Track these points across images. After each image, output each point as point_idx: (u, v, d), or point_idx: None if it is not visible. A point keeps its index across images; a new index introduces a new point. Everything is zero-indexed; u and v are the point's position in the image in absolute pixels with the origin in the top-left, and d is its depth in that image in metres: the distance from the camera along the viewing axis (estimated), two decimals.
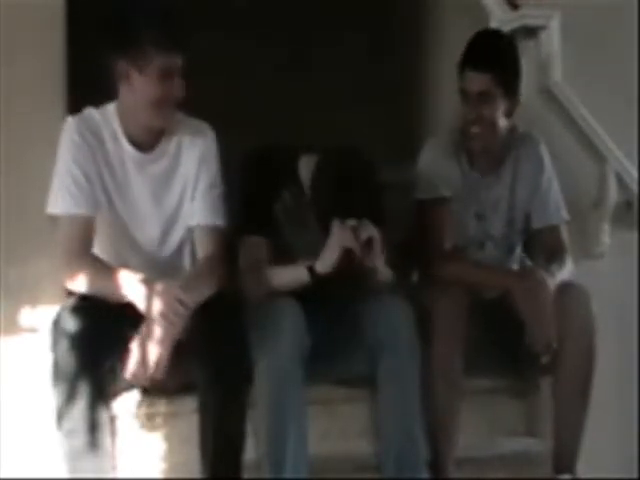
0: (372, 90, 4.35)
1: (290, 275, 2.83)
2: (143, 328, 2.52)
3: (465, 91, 3.01)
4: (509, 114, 3.04)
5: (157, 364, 2.51)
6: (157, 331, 2.50)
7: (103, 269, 2.62)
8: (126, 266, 2.66)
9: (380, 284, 2.87)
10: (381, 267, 2.82)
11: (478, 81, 2.98)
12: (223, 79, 4.21)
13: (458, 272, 2.97)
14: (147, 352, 2.50)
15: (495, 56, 3.00)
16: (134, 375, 2.53)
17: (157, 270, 2.67)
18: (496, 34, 3.22)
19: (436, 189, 3.06)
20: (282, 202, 2.93)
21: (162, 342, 2.50)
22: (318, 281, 2.78)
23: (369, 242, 2.75)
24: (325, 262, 2.77)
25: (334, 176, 2.83)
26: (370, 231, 2.75)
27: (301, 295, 2.77)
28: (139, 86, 2.64)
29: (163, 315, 2.50)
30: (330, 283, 2.82)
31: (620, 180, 3.45)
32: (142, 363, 2.51)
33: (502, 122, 3.03)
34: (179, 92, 2.66)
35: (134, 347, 2.51)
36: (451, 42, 3.73)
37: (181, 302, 2.51)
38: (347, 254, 2.74)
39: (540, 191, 3.13)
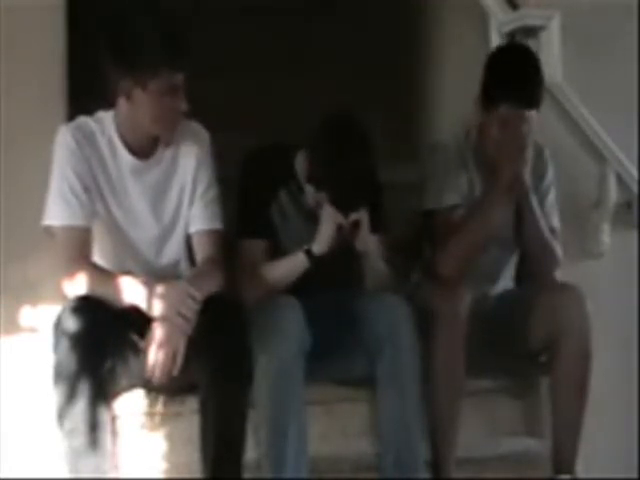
0: (372, 90, 4.35)
1: (289, 264, 2.85)
2: (155, 328, 2.52)
3: (502, 119, 2.95)
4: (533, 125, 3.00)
5: (175, 361, 2.52)
6: (172, 329, 2.51)
7: (104, 276, 2.62)
8: (127, 272, 2.66)
9: (376, 276, 2.88)
10: (373, 252, 2.85)
11: (521, 117, 2.94)
12: (223, 79, 4.22)
13: (459, 245, 2.95)
14: (164, 351, 2.51)
15: (532, 89, 2.96)
16: (155, 376, 2.54)
17: (156, 277, 2.67)
18: (521, 52, 3.10)
19: (447, 198, 3.03)
20: (278, 203, 2.94)
21: (179, 339, 2.51)
22: (317, 270, 2.81)
23: (357, 224, 2.79)
24: (320, 242, 2.80)
25: (334, 137, 2.81)
26: (359, 212, 2.79)
27: (301, 295, 2.77)
28: (142, 103, 2.63)
29: (178, 312, 2.51)
30: (328, 277, 2.84)
31: (620, 180, 3.46)
32: (161, 362, 2.51)
33: (529, 137, 3.00)
34: (182, 106, 2.65)
35: (151, 348, 2.52)
36: (451, 42, 3.74)
37: (192, 297, 2.53)
38: (340, 233, 2.79)
39: (538, 194, 3.11)
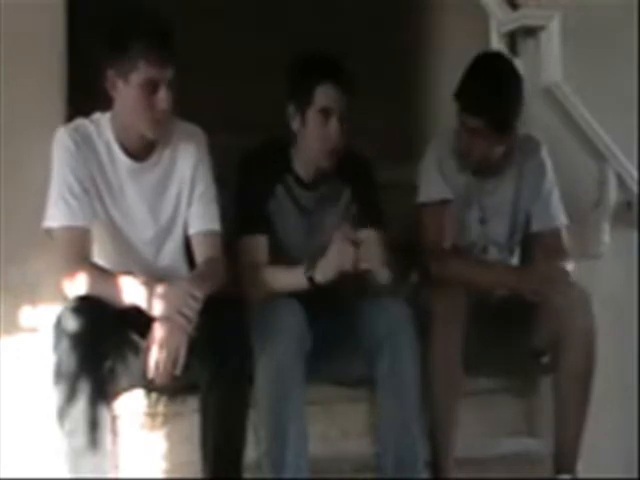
0: (371, 90, 4.35)
1: (289, 280, 2.84)
2: (156, 328, 2.52)
3: (461, 121, 2.99)
4: (505, 142, 2.99)
5: (178, 361, 2.51)
6: (173, 328, 2.51)
7: (104, 276, 2.62)
8: (127, 273, 2.66)
9: (378, 285, 2.88)
10: (379, 269, 2.83)
11: (470, 121, 2.95)
12: (222, 79, 4.21)
13: (461, 271, 2.96)
14: (166, 350, 2.51)
15: (487, 100, 2.92)
16: (157, 375, 2.53)
17: (156, 277, 2.66)
18: (494, 65, 3.06)
19: (438, 192, 3.05)
20: (275, 198, 2.94)
21: (180, 338, 2.51)
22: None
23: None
24: (324, 272, 2.79)
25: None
26: (371, 247, 2.76)
27: (301, 295, 2.77)
28: (123, 96, 2.65)
29: (179, 311, 2.51)
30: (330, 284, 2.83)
31: (620, 180, 3.46)
32: (162, 362, 2.51)
33: (497, 150, 3.00)
34: (164, 105, 2.65)
35: (152, 348, 2.52)
36: (451, 42, 3.74)
37: (193, 297, 2.53)
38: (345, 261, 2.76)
39: (542, 194, 3.12)
